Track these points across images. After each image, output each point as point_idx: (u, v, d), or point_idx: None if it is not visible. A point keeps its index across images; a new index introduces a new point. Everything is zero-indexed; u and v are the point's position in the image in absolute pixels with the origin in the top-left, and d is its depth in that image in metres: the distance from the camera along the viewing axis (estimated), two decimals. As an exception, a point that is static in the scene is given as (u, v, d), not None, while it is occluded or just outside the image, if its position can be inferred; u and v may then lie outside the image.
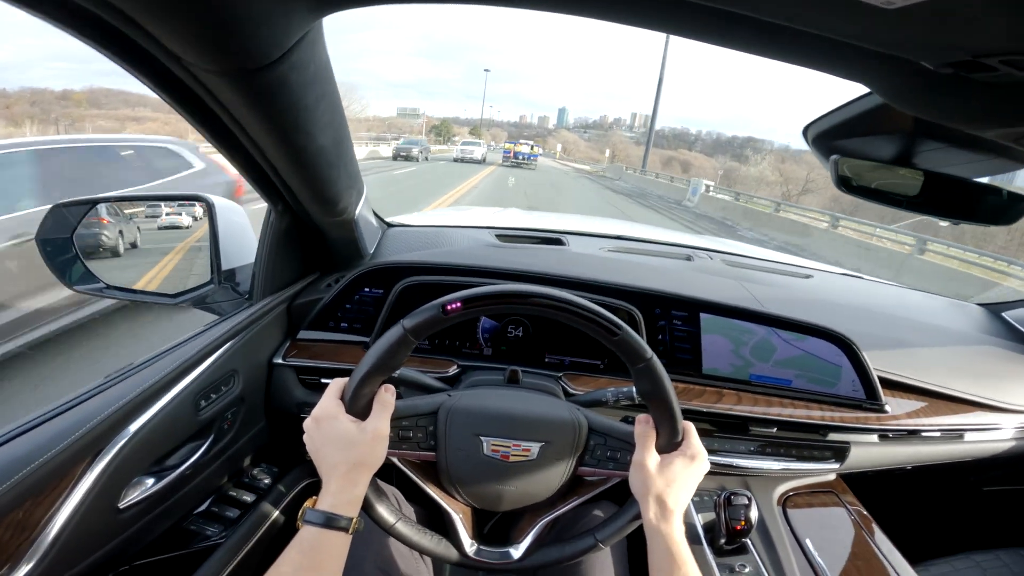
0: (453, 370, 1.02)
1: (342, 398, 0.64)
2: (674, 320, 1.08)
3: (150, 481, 0.78)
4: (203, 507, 0.95)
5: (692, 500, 0.97)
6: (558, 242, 1.38)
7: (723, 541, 0.88)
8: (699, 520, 0.95)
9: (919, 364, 1.18)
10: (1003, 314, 1.51)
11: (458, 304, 0.61)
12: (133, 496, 0.75)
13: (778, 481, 1.07)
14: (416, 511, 0.93)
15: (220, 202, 1.07)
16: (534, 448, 0.72)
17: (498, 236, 1.34)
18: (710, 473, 1.02)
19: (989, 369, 1.25)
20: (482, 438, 0.72)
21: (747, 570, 0.86)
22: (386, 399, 0.65)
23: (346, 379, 0.65)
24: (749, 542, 0.90)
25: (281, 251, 1.01)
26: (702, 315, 1.08)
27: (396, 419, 0.69)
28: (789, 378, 1.08)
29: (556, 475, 0.73)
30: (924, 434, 1.11)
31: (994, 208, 0.82)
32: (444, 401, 0.74)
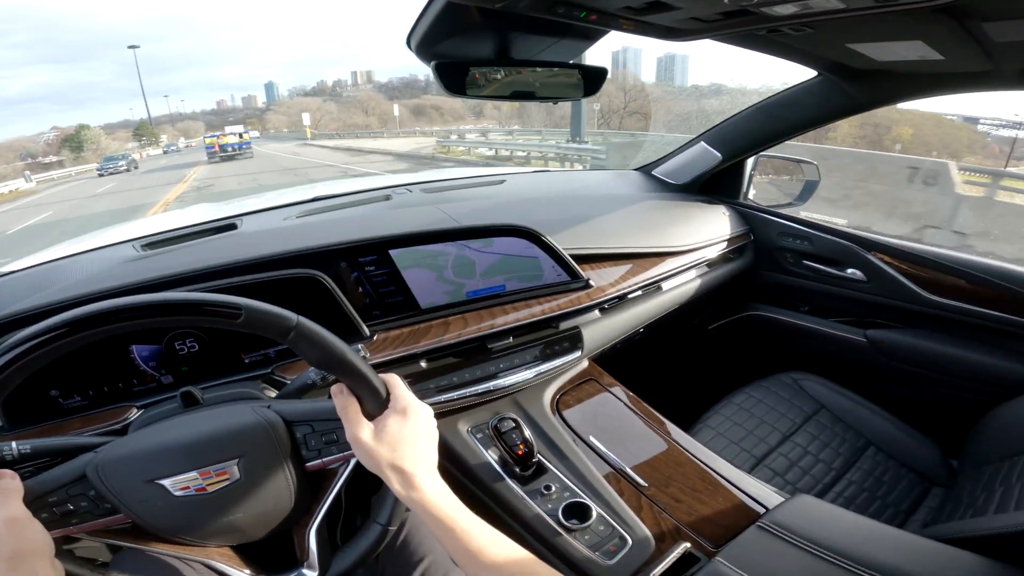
0: (133, 414, 0.85)
1: None
2: (367, 268, 1.06)
3: None
4: None
5: (475, 437, 1.01)
6: (229, 227, 1.22)
7: (518, 470, 0.91)
8: (492, 456, 0.97)
9: (606, 233, 1.36)
10: (653, 172, 1.88)
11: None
12: None
13: (542, 388, 1.14)
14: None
15: None
16: (231, 468, 0.64)
17: (144, 246, 1.11)
18: (482, 404, 1.07)
19: (656, 220, 1.52)
20: (161, 482, 0.62)
21: (554, 488, 0.90)
22: (6, 485, 0.55)
23: None
24: (543, 460, 0.95)
25: None
26: (392, 252, 1.08)
27: (39, 497, 0.58)
28: (502, 284, 1.16)
29: (282, 483, 0.67)
30: (630, 296, 1.29)
31: (576, 84, 0.95)
32: (89, 460, 0.62)
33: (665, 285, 1.38)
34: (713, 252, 1.53)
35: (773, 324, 1.75)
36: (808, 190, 1.75)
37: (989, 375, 1.33)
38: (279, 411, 0.68)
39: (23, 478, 0.57)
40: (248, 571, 0.70)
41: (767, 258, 1.70)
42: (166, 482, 0.62)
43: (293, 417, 0.68)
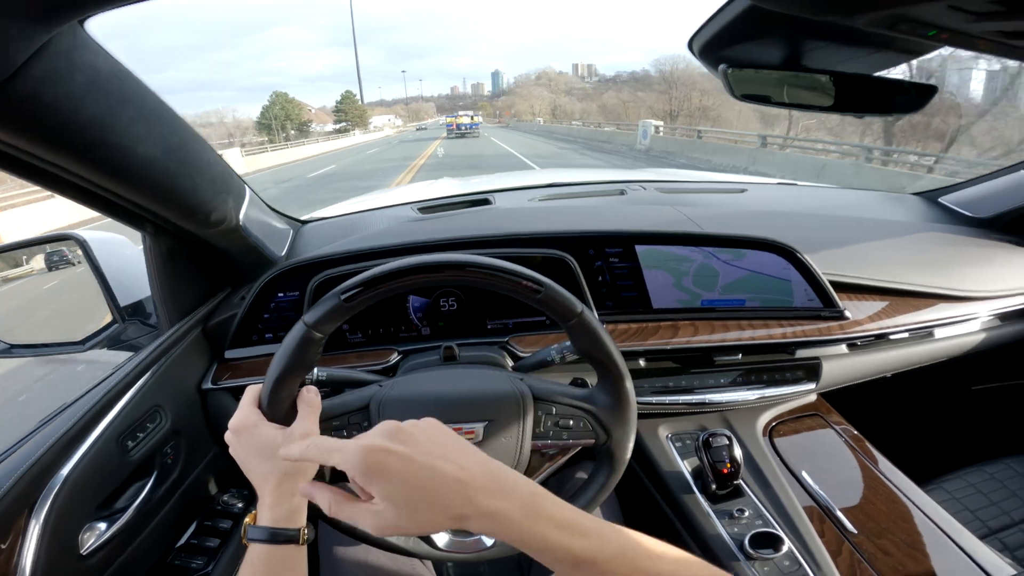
0: (394, 358, 0.99)
1: (260, 406, 0.61)
2: (611, 259, 1.06)
3: (103, 525, 0.77)
4: (183, 541, 0.94)
5: (674, 445, 0.98)
6: (484, 202, 1.35)
7: (714, 487, 0.87)
8: (686, 467, 0.94)
9: (870, 262, 1.17)
10: (940, 200, 1.52)
11: (359, 289, 0.59)
12: (91, 542, 0.74)
13: (758, 411, 1.06)
14: None
15: (95, 236, 1.03)
16: (479, 429, 0.69)
17: (420, 209, 1.29)
18: (688, 414, 1.04)
19: (940, 257, 1.25)
20: None
21: (747, 514, 0.84)
22: (310, 399, 0.62)
23: (260, 386, 0.62)
24: (743, 483, 0.89)
25: (174, 273, 0.96)
26: (638, 248, 1.06)
27: (325, 419, 0.66)
28: (742, 299, 1.07)
29: (510, 454, 0.70)
30: (892, 337, 1.09)
31: (889, 98, 0.82)
32: (375, 393, 0.71)
33: (939, 332, 1.13)
34: (1010, 304, 1.20)
35: None
36: None
37: None
38: (530, 386, 0.71)
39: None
40: None
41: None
42: None
43: (541, 395, 0.70)
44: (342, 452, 0.46)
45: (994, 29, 0.57)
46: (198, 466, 0.96)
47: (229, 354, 1.03)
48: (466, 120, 37.53)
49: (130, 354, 0.92)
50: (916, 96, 0.81)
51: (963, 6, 0.51)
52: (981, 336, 1.20)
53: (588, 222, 1.11)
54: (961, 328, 1.16)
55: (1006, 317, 1.22)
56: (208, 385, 0.98)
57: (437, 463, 0.45)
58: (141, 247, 1.07)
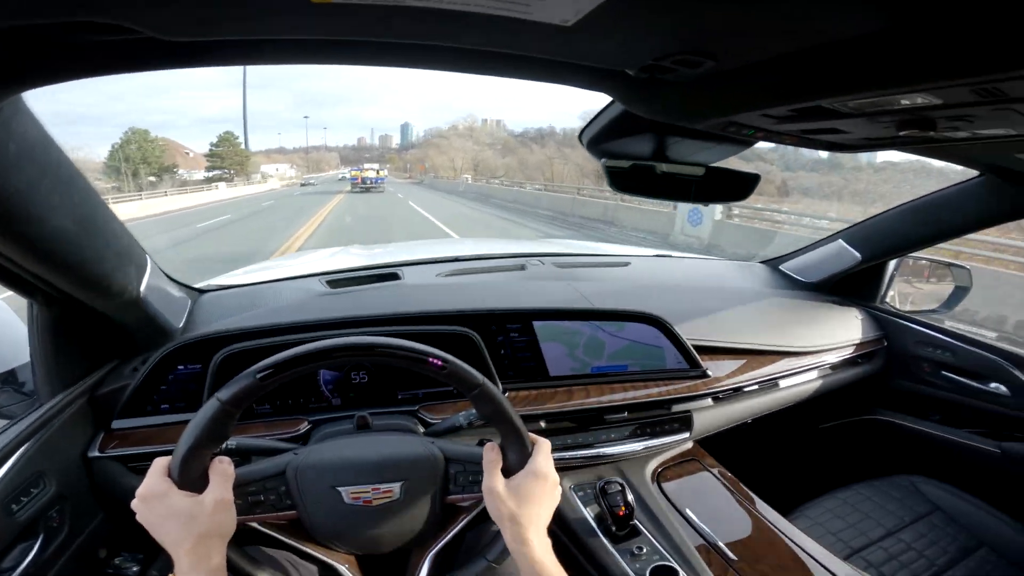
0: (304, 427, 0.99)
1: (170, 475, 0.63)
2: (511, 334, 1.17)
3: None
4: None
5: (576, 495, 1.05)
6: (393, 276, 1.40)
7: (614, 528, 0.96)
8: (589, 514, 1.02)
9: (727, 327, 1.38)
10: (780, 267, 1.84)
11: (275, 369, 0.63)
12: None
13: (645, 460, 1.18)
14: (319, 570, 0.89)
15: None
16: (395, 488, 0.74)
17: (329, 283, 1.32)
18: (587, 467, 1.13)
19: (782, 319, 1.51)
20: (339, 489, 0.72)
21: (644, 551, 0.93)
22: (223, 469, 0.65)
23: (169, 457, 0.64)
24: (638, 523, 0.99)
25: (59, 344, 0.91)
26: (535, 323, 1.18)
27: (240, 486, 0.68)
28: (625, 365, 1.22)
29: (427, 508, 0.76)
30: (746, 389, 1.29)
31: (728, 188, 1.01)
32: (290, 460, 0.73)
33: (782, 383, 1.36)
34: (838, 355, 1.47)
35: (896, 430, 1.63)
36: (956, 297, 1.61)
37: None
38: (441, 448, 0.78)
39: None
40: None
41: (900, 365, 1.60)
42: (344, 490, 0.72)
43: (452, 455, 0.78)
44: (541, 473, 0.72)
45: (795, 129, 0.76)
46: (85, 530, 0.92)
47: (117, 424, 0.98)
48: (371, 174, 36.21)
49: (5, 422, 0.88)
50: (749, 182, 1.01)
51: (770, 114, 0.68)
52: (819, 383, 1.44)
53: (491, 299, 1.22)
54: (801, 377, 1.40)
55: (837, 366, 1.48)
56: (95, 453, 0.94)
57: (548, 498, 0.72)
58: (8, 308, 1.00)
